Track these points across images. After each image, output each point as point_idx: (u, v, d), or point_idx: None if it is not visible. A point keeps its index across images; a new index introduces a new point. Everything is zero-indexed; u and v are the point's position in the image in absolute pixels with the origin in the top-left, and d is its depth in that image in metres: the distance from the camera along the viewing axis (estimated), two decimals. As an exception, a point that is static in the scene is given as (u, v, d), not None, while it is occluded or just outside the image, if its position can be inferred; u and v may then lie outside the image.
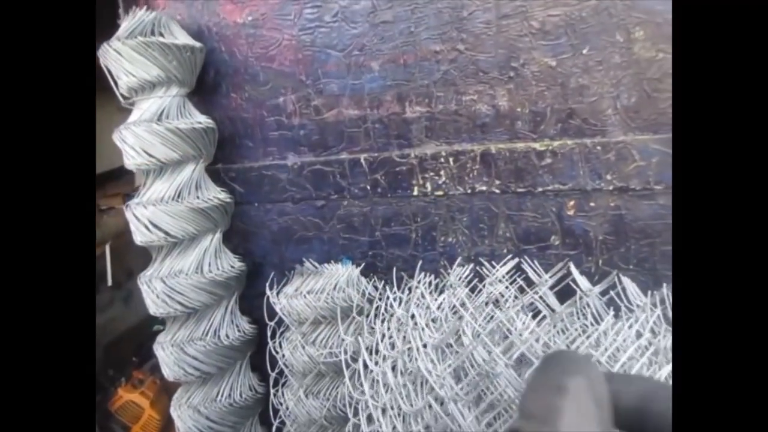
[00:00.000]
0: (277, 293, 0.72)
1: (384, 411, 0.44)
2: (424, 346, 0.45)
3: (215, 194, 0.72)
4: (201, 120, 0.69)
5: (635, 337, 0.46)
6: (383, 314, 0.57)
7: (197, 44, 0.67)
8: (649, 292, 0.56)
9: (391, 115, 0.68)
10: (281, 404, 0.70)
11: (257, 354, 0.81)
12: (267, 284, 0.74)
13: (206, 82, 0.75)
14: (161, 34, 0.63)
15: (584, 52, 0.59)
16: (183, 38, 0.66)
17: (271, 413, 0.72)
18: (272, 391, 0.73)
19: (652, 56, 0.56)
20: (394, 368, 0.48)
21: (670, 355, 0.44)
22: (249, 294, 0.81)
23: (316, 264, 0.74)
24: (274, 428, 0.72)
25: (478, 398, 0.50)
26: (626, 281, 0.59)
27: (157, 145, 0.65)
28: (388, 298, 0.58)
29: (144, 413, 1.59)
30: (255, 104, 0.74)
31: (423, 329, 0.46)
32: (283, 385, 0.73)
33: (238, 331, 0.77)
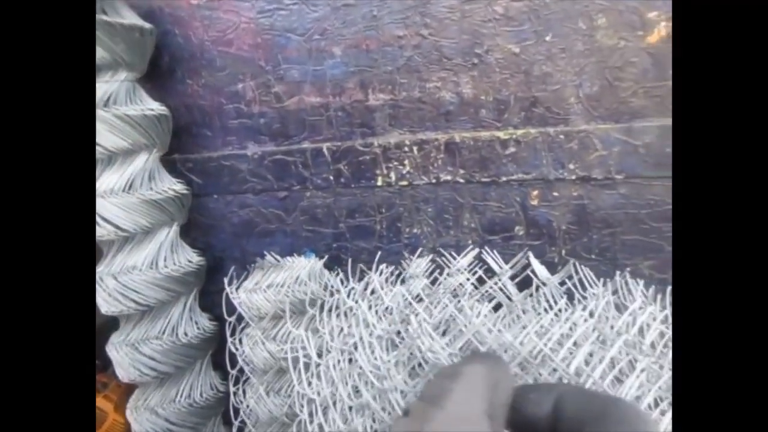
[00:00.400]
0: (237, 288, 0.69)
1: (326, 408, 0.43)
2: (373, 336, 0.44)
3: (170, 185, 0.69)
4: (153, 107, 0.65)
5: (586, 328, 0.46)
6: (338, 308, 0.55)
7: (147, 25, 0.64)
8: (602, 280, 0.56)
9: (354, 102, 0.66)
10: (241, 402, 0.68)
11: (220, 352, 0.78)
12: (226, 279, 0.71)
13: (160, 67, 0.71)
14: (105, 13, 0.59)
15: (547, 39, 0.58)
16: (131, 18, 0.62)
17: (231, 412, 0.69)
18: (233, 389, 0.70)
19: (614, 44, 0.56)
20: (350, 361, 0.46)
21: (618, 341, 0.43)
22: (209, 290, 0.78)
23: (278, 257, 0.72)
24: (235, 428, 0.70)
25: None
26: (582, 270, 0.59)
27: (104, 133, 0.61)
28: (344, 290, 0.56)
29: (108, 417, 1.52)
30: (212, 91, 0.71)
31: (367, 321, 0.45)
32: (244, 383, 0.70)
33: (198, 328, 0.74)
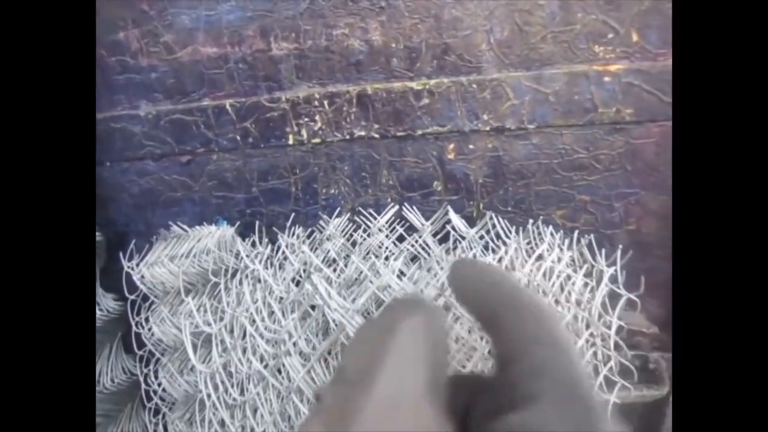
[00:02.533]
0: (138, 263, 0.63)
1: (222, 381, 0.40)
2: (273, 298, 0.41)
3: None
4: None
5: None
6: (248, 276, 0.51)
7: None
8: (514, 229, 0.56)
9: (256, 52, 0.60)
10: (152, 383, 0.63)
11: (131, 334, 0.72)
12: (124, 254, 0.64)
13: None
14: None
15: (456, -20, 0.54)
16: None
17: (142, 395, 0.65)
18: (144, 371, 0.65)
19: (523, -14, 0.54)
20: (256, 331, 0.43)
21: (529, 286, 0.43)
22: (113, 268, 0.71)
23: (187, 228, 0.66)
24: (149, 411, 0.65)
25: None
26: (498, 221, 0.58)
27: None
28: (245, 256, 0.53)
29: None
30: (91, 42, 0.62)
31: (268, 284, 0.42)
32: (156, 363, 0.65)
33: (100, 310, 0.67)
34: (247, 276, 0.48)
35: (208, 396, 0.41)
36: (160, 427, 0.65)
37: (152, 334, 0.61)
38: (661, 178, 0.57)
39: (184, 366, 0.62)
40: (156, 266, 0.59)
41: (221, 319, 0.46)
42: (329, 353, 0.40)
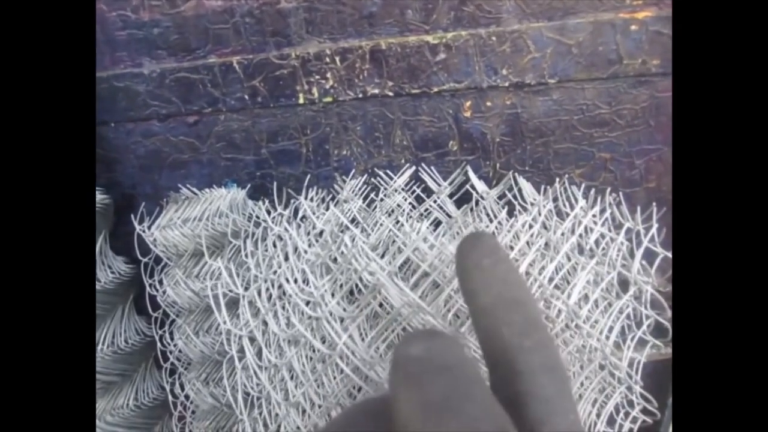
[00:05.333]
0: (149, 226, 0.62)
1: (252, 340, 0.39)
2: (304, 262, 0.40)
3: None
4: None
5: (529, 235, 0.44)
6: (265, 238, 0.50)
7: None
8: (542, 188, 0.55)
9: (263, 5, 0.57)
10: (169, 345, 0.64)
11: (143, 296, 0.72)
12: (135, 216, 0.63)
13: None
14: None
15: None
16: None
17: (159, 356, 0.65)
18: (158, 332, 0.66)
19: (547, -72, 0.50)
20: (280, 290, 0.43)
21: (566, 245, 0.42)
22: (122, 231, 0.70)
23: (195, 190, 0.65)
24: (165, 371, 0.66)
25: (372, 314, 0.47)
26: (522, 182, 0.57)
27: None
28: (269, 218, 0.52)
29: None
30: (89, -5, 0.59)
31: (297, 246, 0.41)
32: (170, 325, 0.65)
33: (112, 272, 0.67)
34: (276, 238, 0.48)
35: (240, 358, 0.41)
36: (177, 386, 0.66)
37: (166, 297, 0.61)
38: (686, 134, 0.55)
39: (200, 327, 0.62)
40: (169, 229, 0.58)
41: (247, 281, 0.46)
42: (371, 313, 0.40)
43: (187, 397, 0.65)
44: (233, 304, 0.54)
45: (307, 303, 0.41)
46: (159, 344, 0.64)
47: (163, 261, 0.64)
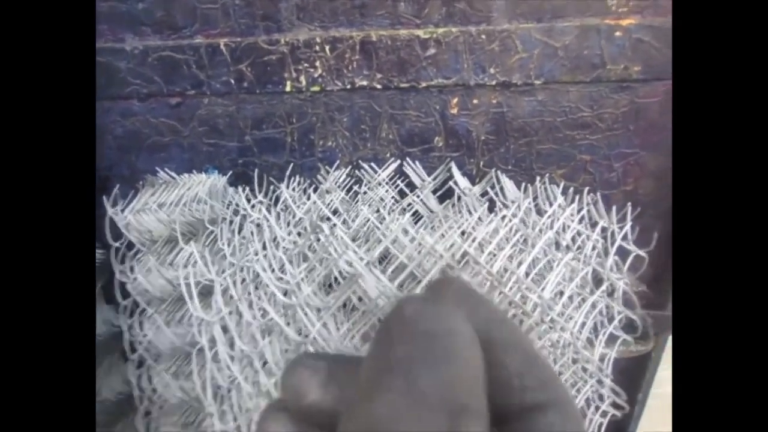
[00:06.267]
0: (123, 209, 0.59)
1: (225, 329, 0.38)
2: (280, 249, 0.39)
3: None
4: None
5: (508, 230, 0.45)
6: (243, 227, 0.49)
7: None
8: (523, 185, 0.56)
9: (255, -11, 0.56)
10: (138, 335, 0.61)
11: (112, 284, 0.69)
12: (108, 199, 0.61)
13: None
14: None
15: None
16: None
17: (126, 348, 0.62)
18: (128, 321, 0.63)
19: (539, -68, 0.52)
20: (260, 284, 0.42)
21: (538, 242, 0.43)
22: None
23: (174, 175, 0.63)
24: (132, 363, 0.63)
25: (347, 310, 0.46)
26: (504, 180, 0.58)
27: None
28: (248, 205, 0.50)
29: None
30: (71, -34, 0.56)
31: (274, 233, 0.40)
32: (140, 314, 0.63)
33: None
34: (254, 226, 0.46)
35: (211, 347, 0.39)
36: (144, 379, 0.64)
37: (138, 284, 0.58)
38: (662, 138, 0.57)
39: (172, 318, 0.60)
40: (143, 213, 0.56)
41: (222, 268, 0.44)
42: (343, 306, 0.39)
43: (154, 390, 0.63)
44: (208, 294, 0.52)
45: (285, 293, 0.40)
46: (128, 335, 0.61)
47: (136, 247, 0.61)
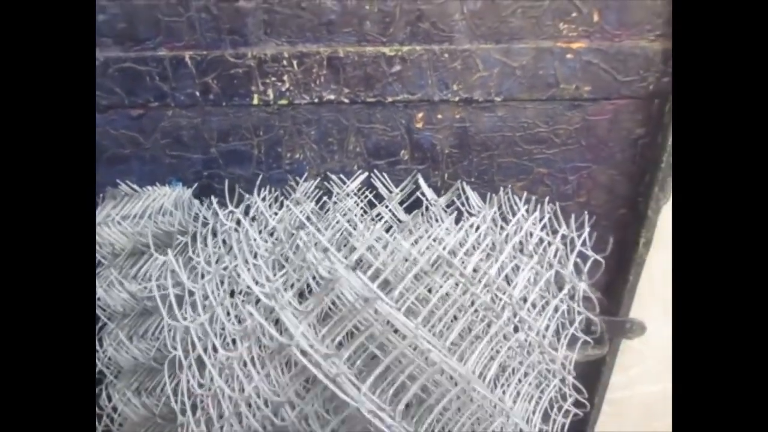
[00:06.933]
0: (82, 222, 0.58)
1: (199, 338, 0.38)
2: (258, 258, 0.40)
3: None
4: None
5: (477, 237, 0.47)
6: (215, 236, 0.49)
7: None
8: (489, 195, 0.58)
9: (221, 2, 0.57)
10: (98, 351, 0.59)
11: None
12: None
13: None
14: None
15: (433, -54, 0.55)
16: None
17: (85, 365, 0.60)
18: (86, 339, 0.60)
19: (497, -41, 0.55)
20: (231, 288, 0.42)
21: (505, 247, 0.45)
22: (47, 229, 0.64)
23: (136, 187, 0.62)
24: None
25: (322, 314, 0.47)
26: (468, 191, 0.60)
27: None
28: (222, 213, 0.50)
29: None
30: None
31: (251, 241, 0.40)
32: (100, 330, 0.61)
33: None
34: (226, 236, 0.46)
35: (186, 355, 0.39)
36: (103, 396, 0.61)
37: (98, 299, 0.57)
38: (611, 153, 0.62)
39: (134, 332, 0.58)
40: (105, 226, 0.55)
41: (196, 276, 0.44)
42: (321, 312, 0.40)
43: (114, 409, 0.60)
44: (177, 304, 0.51)
45: (257, 301, 0.40)
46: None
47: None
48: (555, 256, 0.46)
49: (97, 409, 0.61)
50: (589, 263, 0.48)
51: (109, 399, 0.61)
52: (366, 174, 0.63)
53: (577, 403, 0.51)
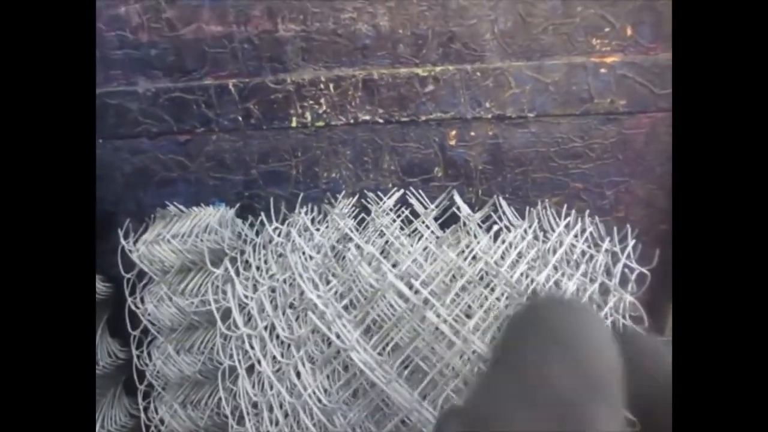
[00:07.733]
0: (135, 241, 0.61)
1: (263, 348, 0.40)
2: (309, 271, 0.41)
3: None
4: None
5: (520, 248, 0.47)
6: (262, 249, 0.51)
7: None
8: (527, 209, 0.58)
9: (262, 33, 0.60)
10: (146, 365, 0.62)
11: (117, 316, 0.70)
12: (121, 232, 0.62)
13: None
14: None
15: (464, -30, 0.56)
16: None
17: (135, 377, 0.63)
18: (136, 352, 0.64)
19: (527, -20, 0.56)
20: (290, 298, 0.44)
21: (549, 258, 0.45)
22: (101, 249, 0.68)
23: (183, 208, 0.65)
24: (140, 392, 0.63)
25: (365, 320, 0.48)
26: (504, 205, 0.61)
27: None
28: (270, 228, 0.52)
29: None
30: (88, 13, 0.60)
31: (304, 253, 0.42)
32: (148, 345, 0.64)
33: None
34: (274, 250, 0.48)
35: (240, 365, 0.40)
36: (151, 408, 0.64)
37: (148, 314, 0.60)
38: (649, 167, 0.61)
39: (181, 346, 0.61)
40: (156, 244, 0.58)
41: (255, 288, 0.46)
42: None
43: (161, 421, 0.63)
44: (225, 318, 0.53)
45: (314, 308, 0.41)
46: (137, 363, 0.62)
47: (143, 279, 0.63)
48: (599, 268, 0.46)
49: (145, 420, 0.64)
50: (634, 275, 0.47)
51: (157, 411, 0.63)
52: (401, 191, 0.64)
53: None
